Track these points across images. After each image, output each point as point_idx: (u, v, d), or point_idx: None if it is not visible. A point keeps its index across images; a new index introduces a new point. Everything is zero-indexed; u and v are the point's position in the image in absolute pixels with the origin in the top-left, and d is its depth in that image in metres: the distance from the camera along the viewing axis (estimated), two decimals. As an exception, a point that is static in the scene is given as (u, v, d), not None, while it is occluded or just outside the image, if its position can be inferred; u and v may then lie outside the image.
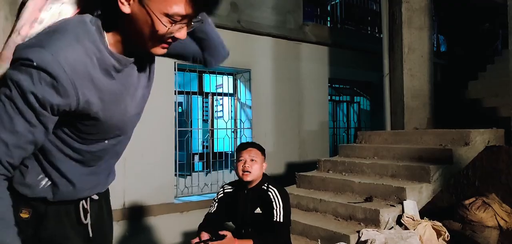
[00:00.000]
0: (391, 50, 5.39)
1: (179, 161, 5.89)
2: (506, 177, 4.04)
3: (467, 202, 4.08)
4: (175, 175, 5.81)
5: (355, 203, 3.42)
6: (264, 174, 2.70)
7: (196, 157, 6.59)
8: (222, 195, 2.78)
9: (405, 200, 3.30)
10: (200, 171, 6.39)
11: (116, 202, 5.15)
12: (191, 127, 6.35)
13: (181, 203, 5.78)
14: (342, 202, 3.50)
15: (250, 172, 2.58)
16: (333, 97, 8.01)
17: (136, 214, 5.30)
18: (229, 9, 6.31)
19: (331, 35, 7.46)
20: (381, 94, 7.96)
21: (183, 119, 6.33)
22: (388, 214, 3.20)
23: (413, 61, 5.20)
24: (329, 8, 7.84)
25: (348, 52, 7.58)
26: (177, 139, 5.81)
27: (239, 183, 2.71)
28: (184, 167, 6.22)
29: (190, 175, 6.22)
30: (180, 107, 6.60)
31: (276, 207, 2.55)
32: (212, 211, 2.76)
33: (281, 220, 2.51)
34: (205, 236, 2.50)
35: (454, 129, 3.99)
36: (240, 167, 2.60)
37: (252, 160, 2.59)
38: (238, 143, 6.68)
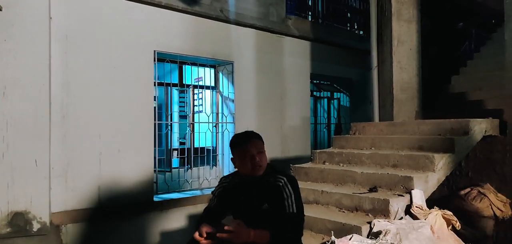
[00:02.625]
0: (379, 43, 5.32)
1: (158, 157, 5.54)
2: (502, 167, 4.04)
3: (462, 192, 4.04)
4: (154, 171, 5.46)
5: (361, 193, 3.25)
6: (267, 164, 2.48)
7: (175, 153, 6.25)
8: (221, 190, 2.55)
9: (412, 189, 3.17)
10: (180, 168, 6.07)
11: (91, 200, 4.76)
12: (171, 121, 6.01)
13: (160, 200, 5.45)
14: (346, 192, 3.33)
15: (261, 166, 2.37)
16: (314, 93, 7.90)
17: (113, 212, 4.92)
18: (211, -3, 6.04)
19: (313, 30, 7.35)
20: (361, 91, 7.97)
21: (160, 112, 5.97)
22: (397, 204, 3.06)
23: (402, 53, 5.15)
24: (310, 2, 7.72)
25: (329, 48, 7.50)
26: (157, 131, 5.46)
27: (239, 177, 2.49)
28: (162, 163, 5.88)
29: (170, 171, 5.89)
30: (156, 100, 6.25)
31: (287, 197, 2.33)
32: (212, 206, 2.52)
33: (295, 210, 2.31)
34: (206, 229, 2.23)
35: (452, 119, 3.93)
36: (249, 163, 2.36)
37: (261, 152, 2.39)
38: (220, 139, 6.48)
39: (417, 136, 3.94)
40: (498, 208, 3.93)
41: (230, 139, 2.55)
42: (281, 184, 2.35)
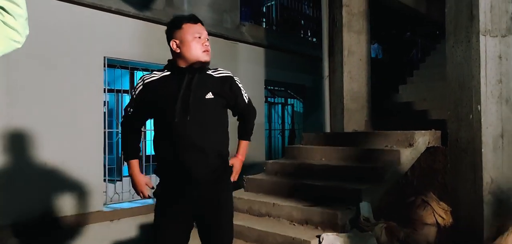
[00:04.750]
0: (331, 53, 5.44)
1: (108, 166, 5.36)
2: (443, 176, 4.25)
3: (408, 201, 4.22)
4: (104, 180, 5.27)
5: (310, 206, 3.31)
6: None
7: (126, 161, 6.06)
8: (141, 88, 2.12)
9: (360, 201, 3.27)
10: (131, 176, 5.88)
11: (36, 213, 4.51)
12: (121, 128, 5.83)
13: (110, 210, 5.27)
14: (297, 205, 3.38)
15: (209, 50, 2.17)
16: (268, 99, 7.97)
17: (60, 224, 4.69)
18: (164, 3, 5.93)
19: (267, 37, 7.40)
20: (314, 97, 8.13)
21: (111, 119, 5.79)
22: (345, 217, 3.14)
23: (352, 64, 5.30)
24: (264, 9, 7.78)
25: (283, 54, 7.59)
26: (107, 140, 5.28)
27: (172, 67, 2.16)
28: (113, 172, 5.69)
29: (121, 180, 5.71)
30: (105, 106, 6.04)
31: (238, 91, 2.29)
32: (134, 113, 2.17)
33: (247, 101, 2.35)
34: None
35: (398, 131, 4.09)
36: (198, 45, 2.10)
37: (208, 39, 2.20)
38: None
39: (366, 148, 4.07)
40: (440, 216, 4.14)
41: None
42: (229, 74, 2.26)
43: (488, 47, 3.69)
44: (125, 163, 2.37)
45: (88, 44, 4.96)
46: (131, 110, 2.17)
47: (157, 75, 2.15)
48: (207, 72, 2.20)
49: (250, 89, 6.90)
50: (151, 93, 2.10)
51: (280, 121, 8.26)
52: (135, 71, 5.90)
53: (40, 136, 4.54)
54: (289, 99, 8.47)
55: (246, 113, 2.38)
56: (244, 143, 2.43)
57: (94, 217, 5.01)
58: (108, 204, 5.35)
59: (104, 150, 5.19)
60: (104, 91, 5.25)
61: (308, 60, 7.88)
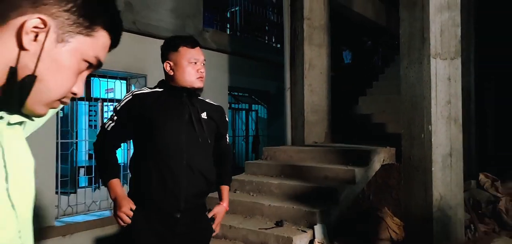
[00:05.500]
0: (292, 66, 5.46)
1: (61, 176, 5.15)
2: (397, 192, 4.37)
3: (363, 216, 4.32)
4: (57, 192, 5.06)
5: (266, 229, 3.31)
6: None
7: (82, 171, 5.86)
8: (130, 98, 2.01)
9: (315, 224, 3.29)
10: (87, 187, 5.69)
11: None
12: (76, 139, 5.62)
13: (63, 225, 5.06)
14: (253, 228, 3.37)
15: (203, 77, 2.04)
16: (232, 105, 7.92)
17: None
18: (123, 7, 5.73)
19: (231, 43, 7.34)
20: (278, 103, 8.15)
21: (65, 128, 5.56)
22: (300, 241, 3.16)
23: (313, 77, 5.35)
24: (228, 14, 7.71)
25: (247, 60, 7.55)
26: (60, 151, 5.07)
27: (165, 86, 2.05)
28: (67, 183, 5.47)
29: (75, 192, 5.50)
30: (62, 111, 5.80)
31: (227, 126, 2.28)
32: (112, 128, 2.00)
33: (228, 142, 2.33)
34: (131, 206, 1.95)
35: (355, 146, 4.17)
36: (193, 71, 1.96)
37: (204, 64, 2.06)
38: (131, 155, 6.14)
39: (323, 166, 4.12)
40: (394, 231, 4.26)
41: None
42: (221, 106, 2.23)
43: (438, 69, 3.80)
44: (105, 186, 2.03)
45: (40, 51, 4.73)
46: (112, 124, 2.00)
47: (147, 89, 2.07)
48: (199, 97, 2.12)
49: (214, 95, 6.84)
50: (141, 105, 1.97)
51: (244, 128, 8.24)
52: (92, 78, 5.70)
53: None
54: (253, 105, 8.46)
55: (226, 153, 2.27)
56: (226, 189, 2.27)
57: (44, 232, 4.80)
58: (60, 218, 5.13)
59: (56, 162, 4.97)
60: (58, 100, 5.02)
61: (272, 66, 7.87)
